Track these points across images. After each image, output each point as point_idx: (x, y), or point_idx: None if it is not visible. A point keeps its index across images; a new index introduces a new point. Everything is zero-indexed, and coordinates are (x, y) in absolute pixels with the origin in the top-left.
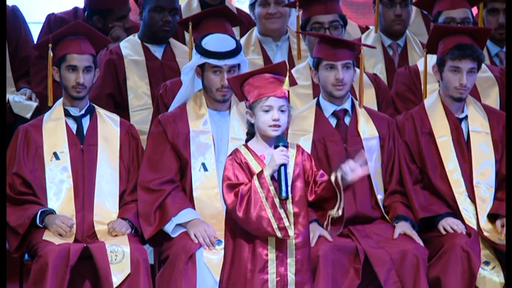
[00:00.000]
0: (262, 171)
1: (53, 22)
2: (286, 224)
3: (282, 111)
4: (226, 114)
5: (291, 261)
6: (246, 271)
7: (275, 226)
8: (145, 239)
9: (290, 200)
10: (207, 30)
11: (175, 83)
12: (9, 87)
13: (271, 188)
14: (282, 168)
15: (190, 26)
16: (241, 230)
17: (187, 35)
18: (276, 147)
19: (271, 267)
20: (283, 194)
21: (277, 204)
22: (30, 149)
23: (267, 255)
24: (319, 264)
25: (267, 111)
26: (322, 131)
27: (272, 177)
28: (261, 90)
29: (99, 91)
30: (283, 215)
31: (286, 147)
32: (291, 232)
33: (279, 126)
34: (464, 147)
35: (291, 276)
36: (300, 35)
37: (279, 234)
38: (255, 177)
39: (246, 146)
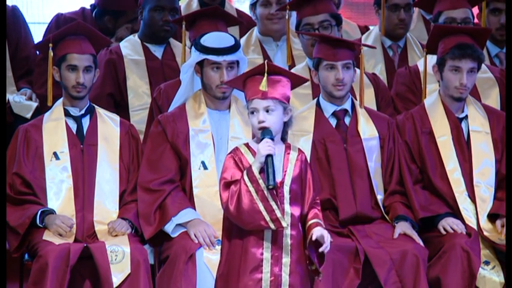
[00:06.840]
0: (250, 165)
1: (62, 22)
2: (279, 215)
3: (268, 111)
4: (226, 113)
5: (286, 262)
6: (240, 270)
7: (268, 218)
8: (146, 239)
9: (288, 201)
10: (203, 29)
11: (169, 86)
12: (9, 87)
13: (260, 181)
14: (269, 158)
15: (183, 26)
16: (237, 229)
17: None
18: (261, 140)
19: (266, 267)
20: (270, 183)
21: (268, 197)
22: (30, 149)
23: (262, 254)
24: None
25: (252, 113)
26: (322, 131)
27: (261, 171)
28: (247, 92)
29: (99, 91)
30: (274, 207)
31: (272, 139)
32: (284, 223)
33: (266, 127)
34: (464, 146)
35: (285, 277)
36: (295, 37)
37: (272, 226)
38: (244, 172)
39: (246, 145)
